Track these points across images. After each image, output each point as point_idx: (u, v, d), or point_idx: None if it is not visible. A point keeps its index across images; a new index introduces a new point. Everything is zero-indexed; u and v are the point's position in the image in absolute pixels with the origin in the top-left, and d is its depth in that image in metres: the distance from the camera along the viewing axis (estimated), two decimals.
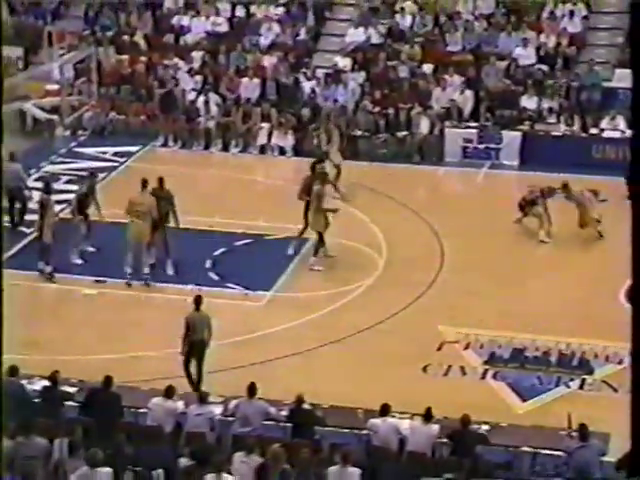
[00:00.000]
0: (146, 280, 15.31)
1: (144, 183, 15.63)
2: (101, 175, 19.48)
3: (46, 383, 11.70)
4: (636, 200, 5.80)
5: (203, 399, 11.44)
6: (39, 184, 18.27)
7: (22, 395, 11.49)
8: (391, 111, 21.45)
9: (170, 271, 15.62)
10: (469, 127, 21.01)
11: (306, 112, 21.60)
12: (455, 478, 10.28)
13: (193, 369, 12.75)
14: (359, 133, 21.26)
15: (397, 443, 11.11)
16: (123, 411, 11.45)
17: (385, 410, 11.19)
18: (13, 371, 11.60)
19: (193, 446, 10.82)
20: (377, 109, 21.51)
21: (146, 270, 15.35)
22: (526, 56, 22.21)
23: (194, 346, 12.67)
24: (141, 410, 11.51)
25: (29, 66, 22.93)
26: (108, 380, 11.50)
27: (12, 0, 24.37)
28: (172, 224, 15.71)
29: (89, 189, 16.35)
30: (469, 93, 21.54)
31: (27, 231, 17.10)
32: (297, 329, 14.39)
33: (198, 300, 12.96)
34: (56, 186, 18.95)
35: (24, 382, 11.73)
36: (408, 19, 23.38)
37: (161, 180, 15.72)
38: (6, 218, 17.35)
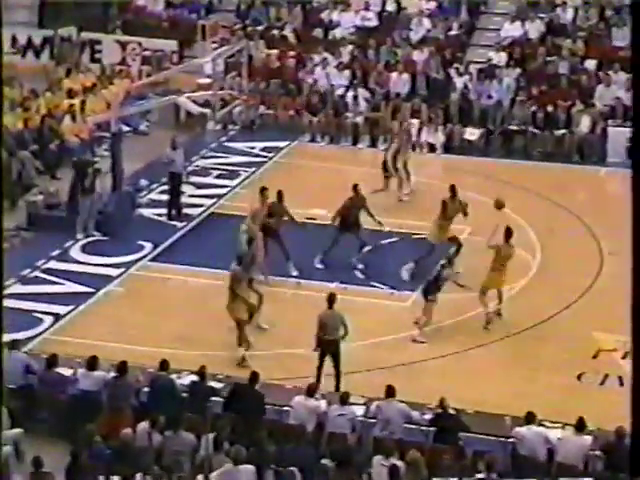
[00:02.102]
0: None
1: (262, 191, 15.88)
2: (249, 170, 20.07)
3: (194, 378, 12.10)
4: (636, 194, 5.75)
5: (345, 399, 11.61)
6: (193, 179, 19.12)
7: (171, 389, 11.94)
8: (550, 108, 21.14)
9: (293, 272, 15.83)
10: None
11: (457, 107, 21.56)
12: None
13: (326, 369, 12.89)
14: (515, 128, 21.06)
15: (545, 453, 11.02)
16: (265, 410, 11.70)
17: (531, 418, 11.11)
18: (164, 365, 12.07)
19: (334, 447, 11.02)
20: (534, 107, 21.24)
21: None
22: None
23: (326, 345, 12.84)
24: (285, 408, 11.77)
25: (183, 59, 23.69)
26: (254, 377, 11.78)
27: None
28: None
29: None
30: None
31: (179, 225, 17.77)
32: (443, 331, 14.40)
33: (331, 298, 13.10)
34: (207, 180, 19.68)
35: (173, 377, 12.15)
36: (570, 12, 23.00)
37: (280, 194, 15.91)
38: (165, 211, 18.06)
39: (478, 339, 14.12)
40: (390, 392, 11.53)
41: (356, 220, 16.18)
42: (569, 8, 23.09)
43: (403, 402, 11.56)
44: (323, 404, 11.68)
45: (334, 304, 13.06)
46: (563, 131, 20.94)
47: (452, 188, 16.24)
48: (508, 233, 14.66)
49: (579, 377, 13.37)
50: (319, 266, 16.13)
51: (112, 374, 12.00)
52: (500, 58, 22.44)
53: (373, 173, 19.72)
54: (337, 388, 12.66)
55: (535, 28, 22.92)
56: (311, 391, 11.70)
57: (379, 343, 14.05)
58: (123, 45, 24.09)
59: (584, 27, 22.85)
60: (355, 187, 16.36)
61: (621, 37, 22.32)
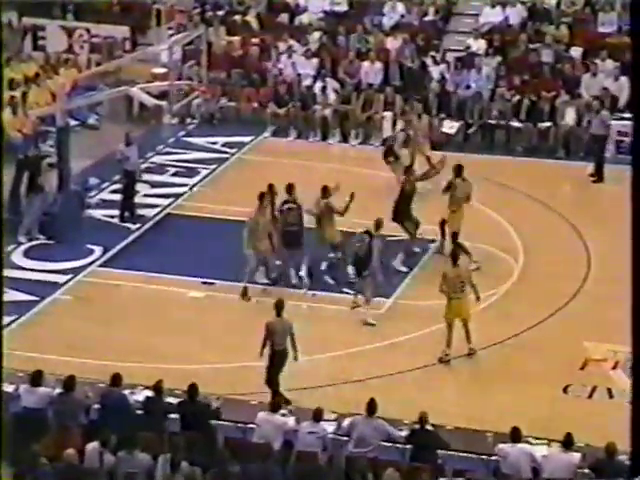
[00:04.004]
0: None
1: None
2: (210, 167, 20.02)
3: (149, 394, 12.03)
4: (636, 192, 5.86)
5: (318, 416, 11.55)
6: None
7: (124, 406, 11.86)
8: (532, 99, 21.27)
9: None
10: (624, 119, 20.58)
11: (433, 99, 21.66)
12: None
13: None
14: (495, 123, 21.19)
15: (530, 472, 11.07)
16: (211, 424, 11.60)
17: (516, 435, 11.15)
18: (116, 380, 11.99)
19: (304, 467, 11.00)
20: (516, 98, 21.37)
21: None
22: None
23: (277, 356, 12.79)
24: (249, 425, 11.73)
25: (136, 47, 23.57)
26: (193, 389, 11.69)
27: None
28: None
29: None
30: (624, 80, 21.16)
31: (132, 227, 17.68)
32: (420, 340, 14.43)
33: (279, 305, 13.05)
34: (163, 179, 19.60)
35: (126, 392, 12.08)
36: None
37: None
38: (116, 212, 17.97)
39: (458, 349, 14.16)
40: (371, 408, 11.44)
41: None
42: None
43: (380, 418, 11.55)
44: (291, 421, 11.65)
45: (282, 311, 13.01)
46: (547, 124, 21.06)
47: (458, 168, 16.39)
48: (454, 255, 14.39)
49: (565, 389, 13.43)
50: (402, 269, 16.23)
51: (58, 390, 11.90)
52: (479, 45, 22.56)
53: (344, 170, 19.73)
54: (273, 397, 12.38)
55: (516, 13, 23.07)
56: (275, 406, 11.66)
57: (351, 354, 14.04)
58: (69, 31, 23.97)
59: (569, 12, 23.06)
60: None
61: (608, 22, 22.55)
